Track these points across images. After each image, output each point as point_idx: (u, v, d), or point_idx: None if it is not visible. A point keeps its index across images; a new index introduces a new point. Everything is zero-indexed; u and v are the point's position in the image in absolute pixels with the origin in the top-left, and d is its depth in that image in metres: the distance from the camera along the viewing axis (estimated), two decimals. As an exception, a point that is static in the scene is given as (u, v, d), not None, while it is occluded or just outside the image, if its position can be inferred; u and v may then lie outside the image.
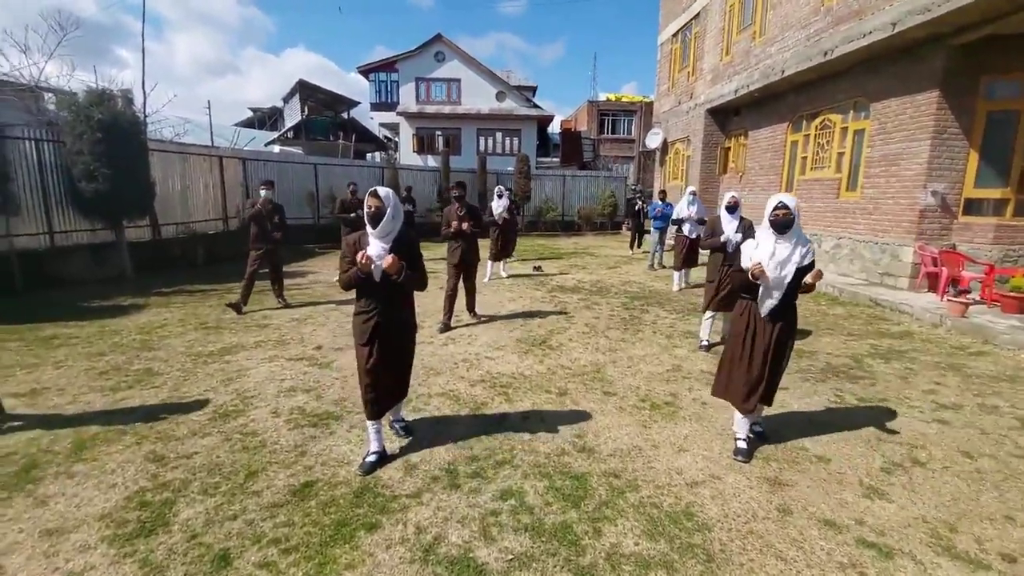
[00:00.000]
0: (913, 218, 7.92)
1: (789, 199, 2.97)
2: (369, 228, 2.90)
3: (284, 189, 13.95)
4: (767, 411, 3.56)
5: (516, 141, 25.83)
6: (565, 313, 6.88)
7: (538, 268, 10.64)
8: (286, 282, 7.37)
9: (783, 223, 2.97)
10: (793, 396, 4.14)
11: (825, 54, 8.81)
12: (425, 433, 3.47)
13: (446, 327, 5.95)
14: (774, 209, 2.98)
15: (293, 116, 27.56)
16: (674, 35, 16.00)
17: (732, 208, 5.24)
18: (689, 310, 7.11)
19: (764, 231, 3.09)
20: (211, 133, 17.35)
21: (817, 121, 10.12)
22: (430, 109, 25.24)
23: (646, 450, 3.28)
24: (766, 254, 3.02)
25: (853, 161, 9.27)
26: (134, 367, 4.67)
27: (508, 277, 9.64)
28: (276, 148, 22.99)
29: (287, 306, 7.01)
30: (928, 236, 7.87)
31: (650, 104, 28.84)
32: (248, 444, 3.28)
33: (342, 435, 3.42)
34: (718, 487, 2.88)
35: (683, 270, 8.58)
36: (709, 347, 5.36)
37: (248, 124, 30.51)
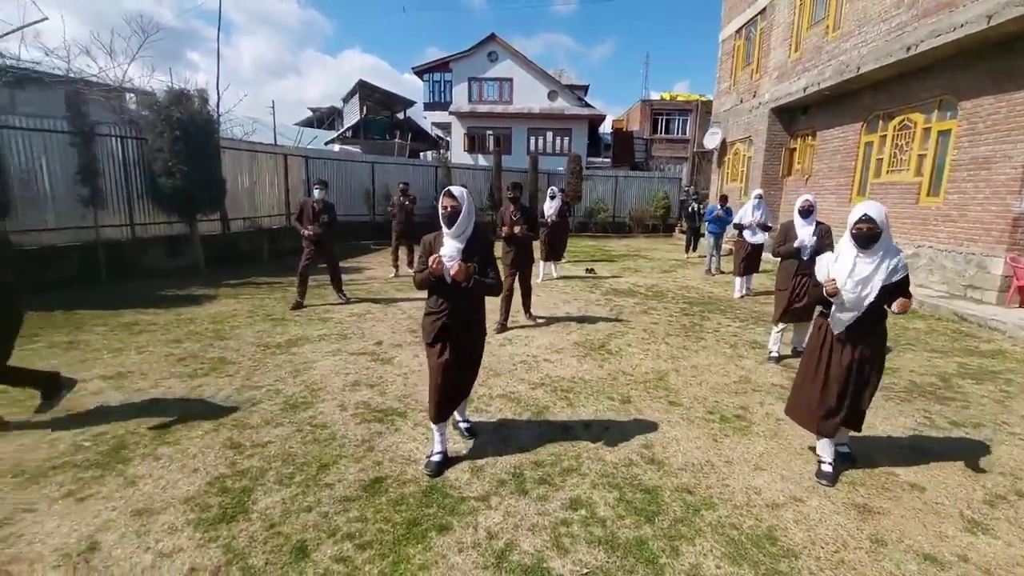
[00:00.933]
0: (1005, 227, 7.29)
1: (875, 210, 2.70)
2: (444, 228, 2.90)
3: (343, 187, 14.38)
4: (851, 432, 3.33)
5: (567, 141, 25.65)
6: (621, 318, 6.73)
7: (591, 270, 10.49)
8: (344, 278, 7.54)
9: (866, 237, 2.72)
10: (877, 417, 3.86)
11: (908, 49, 8.24)
12: (489, 435, 3.45)
13: (503, 327, 5.93)
14: (857, 222, 2.73)
15: (352, 115, 28.40)
16: (737, 31, 15.41)
17: (806, 212, 4.95)
18: (753, 318, 6.81)
19: (845, 243, 2.86)
20: (274, 132, 18.12)
21: (896, 121, 9.49)
22: (482, 108, 25.42)
23: (719, 466, 3.13)
24: (844, 270, 2.79)
25: (936, 164, 8.63)
26: (208, 355, 4.89)
27: (559, 278, 9.55)
28: (336, 147, 23.76)
29: (347, 301, 7.19)
30: (1022, 247, 7.22)
31: (706, 103, 28.00)
32: (318, 436, 3.36)
33: (407, 432, 3.44)
34: (801, 511, 2.71)
35: (744, 276, 8.23)
36: (779, 359, 5.09)
37: (307, 123, 31.71)
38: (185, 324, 5.88)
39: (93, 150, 7.77)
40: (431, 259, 2.77)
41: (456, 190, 2.90)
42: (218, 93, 11.48)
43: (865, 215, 2.71)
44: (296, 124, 29.95)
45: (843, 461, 3.15)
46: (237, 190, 10.90)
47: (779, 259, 5.13)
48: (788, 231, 4.99)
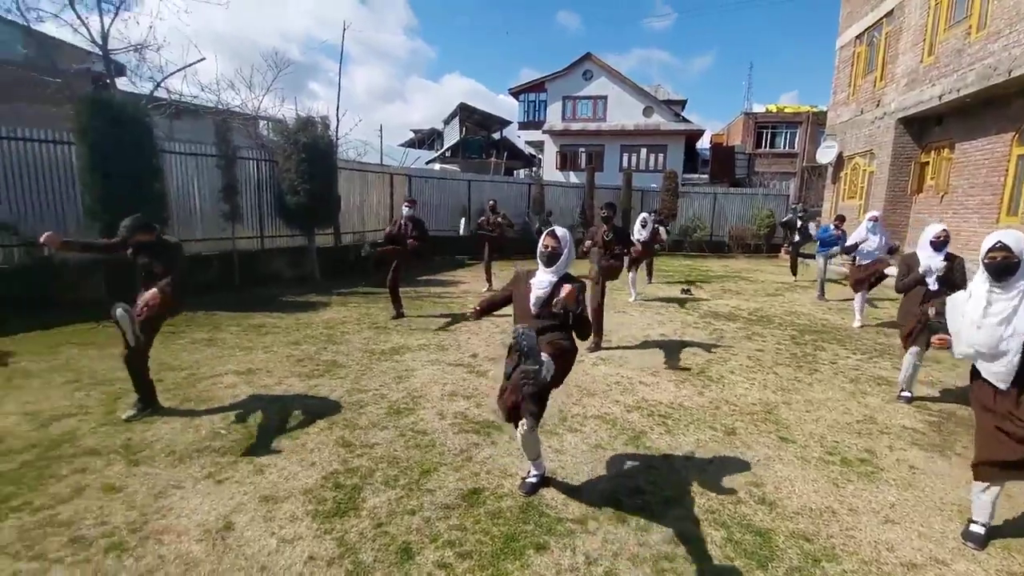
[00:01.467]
0: None
1: (1012, 237, 2.36)
2: (541, 265, 2.89)
3: (441, 204, 15.09)
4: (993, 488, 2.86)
5: (662, 157, 25.02)
6: (722, 343, 6.36)
7: (687, 291, 10.05)
8: (438, 291, 7.82)
9: (1000, 267, 2.37)
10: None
11: (1080, 48, 7.10)
12: (583, 456, 3.40)
13: (596, 347, 5.85)
14: (990, 250, 2.40)
15: (452, 136, 29.86)
16: (858, 37, 14.20)
17: (940, 245, 4.34)
18: (878, 351, 6.13)
19: (979, 277, 2.49)
20: (381, 153, 19.51)
21: (1061, 130, 8.18)
22: (575, 126, 25.57)
23: (842, 514, 2.83)
24: (977, 309, 2.43)
25: (1117, 179, 7.30)
26: (323, 358, 5.31)
27: (635, 300, 8.98)
28: (437, 166, 25.07)
29: (398, 315, 7.10)
30: None
31: (817, 114, 26.02)
32: (420, 442, 3.51)
33: (503, 446, 3.49)
34: (945, 575, 2.37)
35: (861, 292, 7.34)
36: (911, 399, 4.52)
37: (410, 144, 33.75)
38: (303, 328, 6.45)
39: (234, 172, 8.83)
40: (469, 312, 2.93)
41: (560, 231, 2.91)
42: (337, 119, 12.61)
43: (999, 243, 2.39)
44: (400, 145, 32.02)
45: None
46: (349, 206, 11.84)
47: (902, 294, 4.55)
48: (912, 263, 4.43)
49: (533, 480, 2.98)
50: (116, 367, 4.23)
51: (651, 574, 2.32)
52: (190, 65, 10.56)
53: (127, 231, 3.68)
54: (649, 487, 3.04)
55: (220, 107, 11.04)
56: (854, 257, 7.33)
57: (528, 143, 29.55)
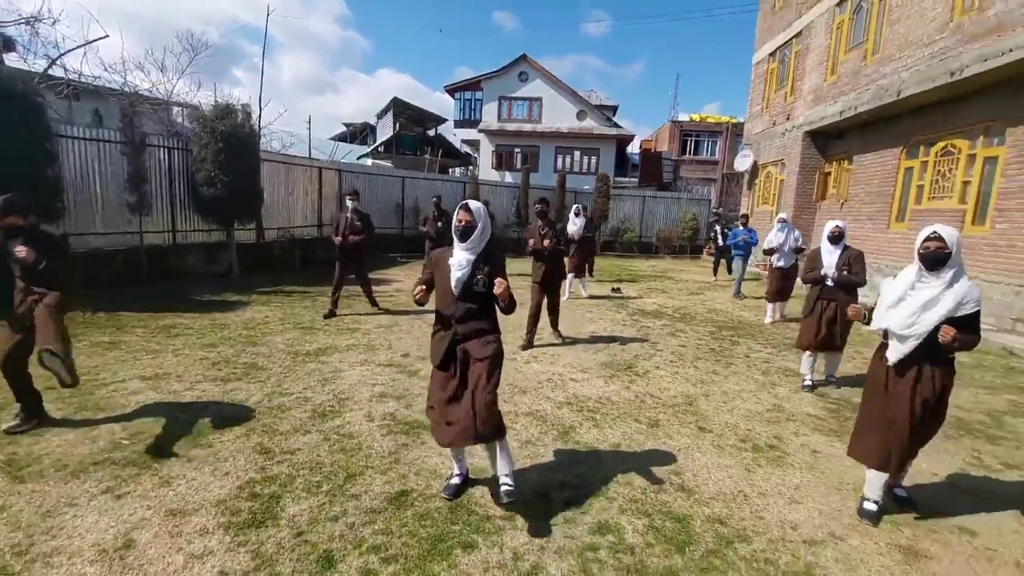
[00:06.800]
0: (1058, 259, 6.96)
1: (947, 230, 2.60)
2: (457, 242, 2.72)
3: (374, 200, 14.66)
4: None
5: (594, 160, 25.74)
6: (648, 339, 6.63)
7: (616, 290, 10.40)
8: (373, 289, 7.63)
9: (933, 258, 2.60)
10: (923, 454, 3.66)
11: (952, 74, 8.03)
12: (514, 454, 3.40)
13: (528, 345, 5.91)
14: (925, 240, 2.62)
15: (385, 131, 29.11)
16: (771, 54, 15.30)
17: (835, 239, 4.84)
18: (785, 345, 6.62)
19: (912, 265, 2.75)
20: (310, 146, 18.67)
21: (938, 146, 9.22)
22: (511, 127, 25.75)
23: (753, 497, 3.03)
24: (896, 293, 2.68)
25: (982, 191, 8.33)
26: (241, 360, 4.99)
27: (588, 297, 9.48)
28: (369, 161, 24.34)
29: (380, 312, 7.26)
30: (1077, 280, 6.88)
31: (736, 125, 27.76)
32: (346, 446, 3.38)
33: (432, 446, 3.39)
34: (842, 549, 2.59)
35: (776, 303, 8.04)
36: (813, 387, 4.93)
37: (341, 138, 32.60)
38: (219, 329, 6.03)
39: (142, 159, 8.11)
40: (415, 291, 2.77)
41: (473, 204, 2.73)
42: (260, 108, 11.91)
43: (935, 233, 2.60)
44: (331, 139, 30.81)
45: (898, 504, 2.99)
46: (273, 201, 11.23)
47: (808, 286, 5.02)
48: (816, 258, 4.89)
49: (455, 482, 2.93)
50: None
51: (576, 565, 2.36)
52: (92, 42, 9.57)
53: None
54: (576, 480, 3.10)
55: (127, 90, 10.09)
56: (770, 261, 7.92)
57: (464, 141, 29.40)
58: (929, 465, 3.53)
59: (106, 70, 9.79)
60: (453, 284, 2.67)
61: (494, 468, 2.83)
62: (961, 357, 6.43)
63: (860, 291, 4.83)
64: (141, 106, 9.28)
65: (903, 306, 2.67)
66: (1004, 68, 7.27)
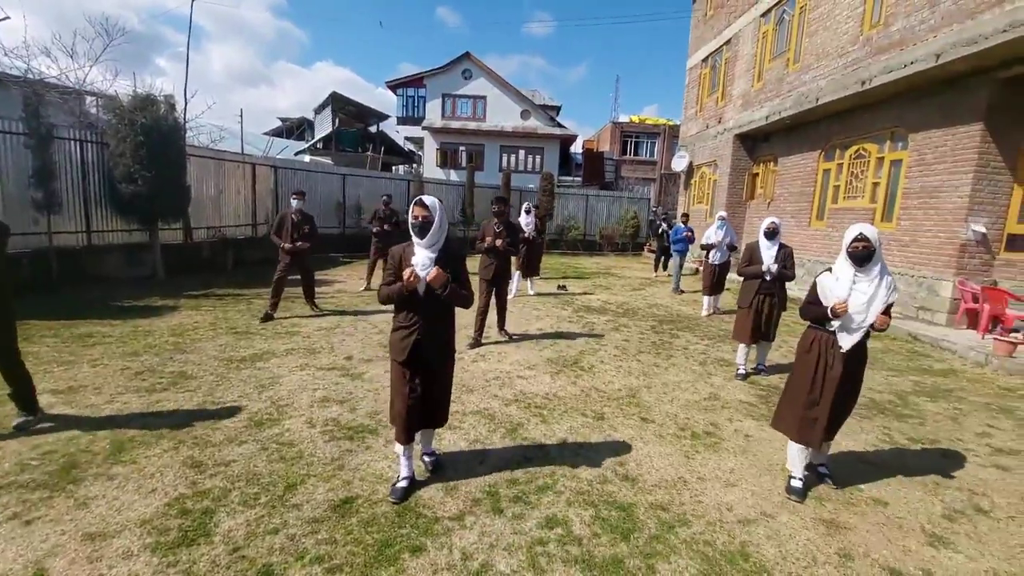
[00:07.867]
0: (952, 252, 7.73)
1: (869, 229, 2.85)
2: (416, 239, 2.78)
3: (313, 198, 14.10)
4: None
5: (539, 159, 26.02)
6: (594, 334, 6.79)
7: (563, 287, 10.58)
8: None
9: (862, 256, 2.85)
10: (840, 433, 3.97)
11: (863, 83, 8.73)
12: (462, 453, 3.39)
13: (476, 343, 5.90)
14: (853, 241, 2.86)
15: (324, 127, 28.10)
16: (704, 60, 16.04)
17: (771, 234, 5.15)
18: (720, 337, 6.97)
19: (842, 263, 2.98)
20: (242, 141, 17.74)
21: (851, 150, 10.00)
22: (455, 125, 25.57)
23: (692, 482, 3.17)
24: (845, 289, 2.91)
25: (889, 192, 9.11)
26: (168, 369, 4.68)
27: (534, 295, 9.59)
28: (306, 158, 23.41)
29: (321, 314, 7.04)
30: (968, 271, 7.66)
31: (673, 127, 28.90)
32: (285, 455, 3.24)
33: (378, 450, 3.35)
34: (772, 527, 2.76)
35: (712, 295, 8.45)
36: (746, 376, 5.22)
37: (276, 133, 31.18)
38: (143, 336, 5.62)
39: (50, 153, 7.42)
40: (404, 272, 2.66)
41: (428, 200, 2.77)
42: (185, 99, 11.21)
43: (860, 234, 2.84)
44: (265, 133, 29.40)
45: (821, 480, 3.23)
46: (202, 199, 10.60)
47: (743, 278, 5.30)
48: (753, 251, 5.18)
49: (403, 484, 2.88)
50: None
51: (525, 560, 2.38)
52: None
53: None
54: (524, 477, 3.12)
55: (31, 76, 9.18)
56: (707, 254, 8.32)
57: (407, 139, 28.93)
58: (846, 443, 3.83)
59: (6, 55, 8.88)
60: (419, 289, 2.76)
61: (426, 446, 3.20)
62: (871, 343, 7.01)
63: (788, 284, 5.20)
64: (48, 95, 8.49)
65: (851, 303, 2.89)
66: (904, 80, 7.99)
